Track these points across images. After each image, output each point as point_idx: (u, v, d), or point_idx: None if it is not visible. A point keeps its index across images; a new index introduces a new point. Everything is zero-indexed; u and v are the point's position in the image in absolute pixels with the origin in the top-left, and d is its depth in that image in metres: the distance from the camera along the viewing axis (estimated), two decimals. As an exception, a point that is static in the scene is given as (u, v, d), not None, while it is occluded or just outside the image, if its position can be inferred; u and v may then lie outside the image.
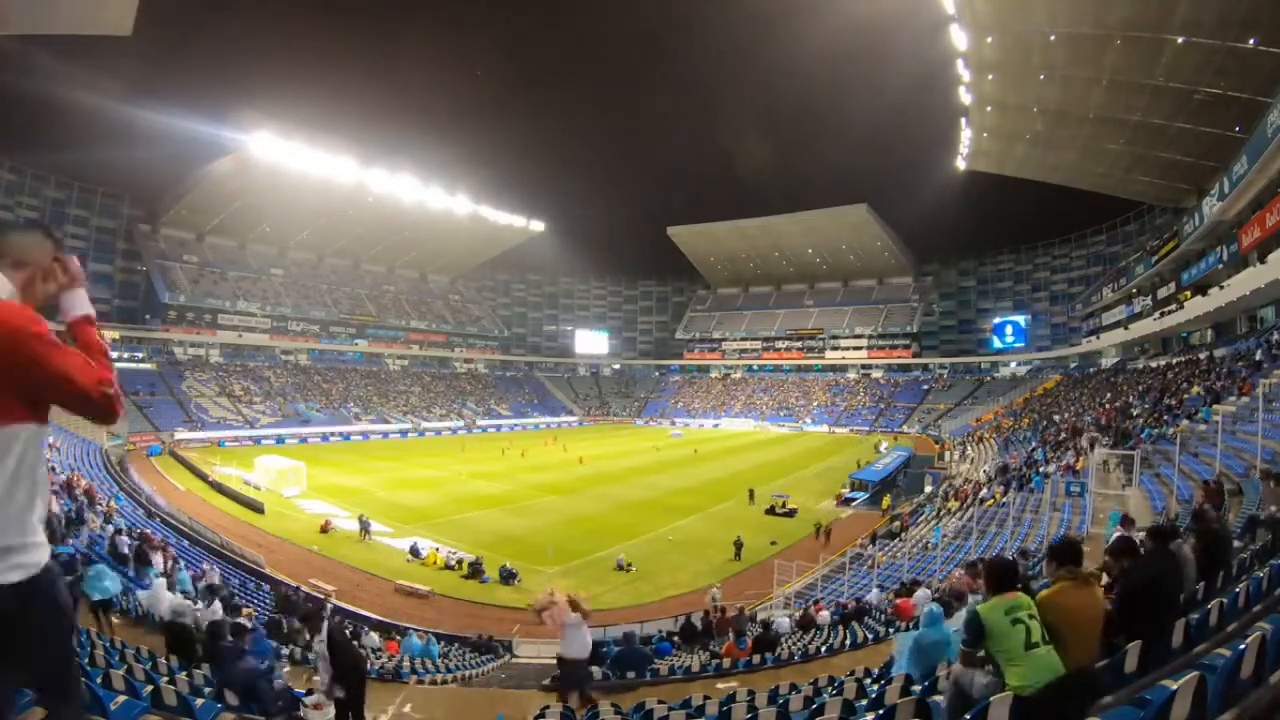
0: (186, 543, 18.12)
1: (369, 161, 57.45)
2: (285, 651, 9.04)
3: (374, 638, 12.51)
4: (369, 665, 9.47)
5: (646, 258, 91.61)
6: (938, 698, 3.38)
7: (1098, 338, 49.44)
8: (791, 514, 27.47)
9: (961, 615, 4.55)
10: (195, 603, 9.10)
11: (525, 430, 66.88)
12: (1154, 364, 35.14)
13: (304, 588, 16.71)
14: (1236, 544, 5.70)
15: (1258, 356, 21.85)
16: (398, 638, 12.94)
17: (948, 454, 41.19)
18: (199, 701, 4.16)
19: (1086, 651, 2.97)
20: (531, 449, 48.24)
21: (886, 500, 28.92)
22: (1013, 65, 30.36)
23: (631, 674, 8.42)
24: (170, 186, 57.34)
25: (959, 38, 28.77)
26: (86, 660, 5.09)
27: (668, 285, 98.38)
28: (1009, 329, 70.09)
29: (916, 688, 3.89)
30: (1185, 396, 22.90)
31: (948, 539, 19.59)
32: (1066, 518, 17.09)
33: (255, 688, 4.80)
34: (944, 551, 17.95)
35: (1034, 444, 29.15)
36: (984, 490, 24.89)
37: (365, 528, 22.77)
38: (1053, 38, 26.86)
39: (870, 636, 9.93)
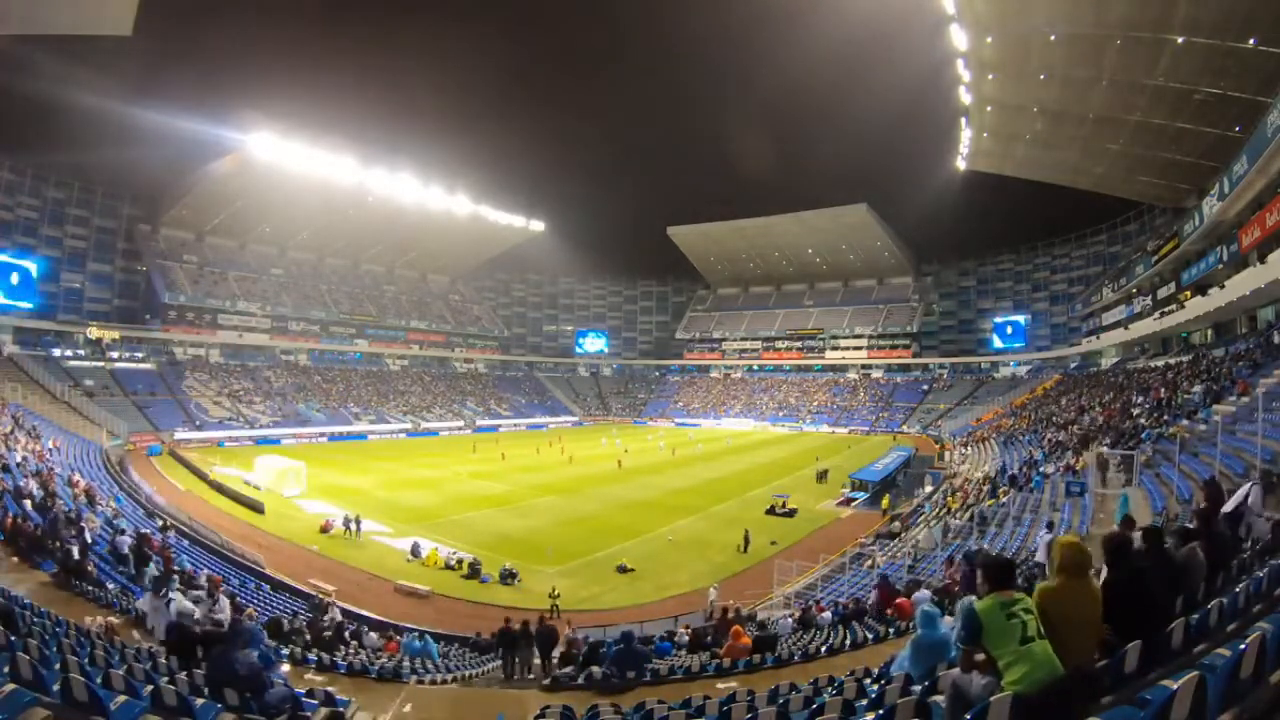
0: (187, 542, 18.11)
1: (369, 161, 57.48)
2: (285, 652, 9.04)
3: (373, 638, 12.51)
4: (370, 665, 9.48)
5: (646, 258, 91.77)
6: (937, 698, 3.38)
7: (1098, 338, 49.44)
8: (791, 514, 27.48)
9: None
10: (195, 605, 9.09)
11: (521, 430, 66.89)
12: (1154, 364, 35.14)
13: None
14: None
15: (1257, 356, 21.88)
16: (397, 638, 12.94)
17: (948, 454, 41.20)
18: (199, 701, 4.15)
19: (1086, 649, 2.96)
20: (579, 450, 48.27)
21: (886, 500, 28.93)
22: (1013, 65, 30.37)
23: (631, 674, 8.42)
24: (170, 186, 57.34)
25: (959, 38, 28.77)
26: (86, 660, 5.09)
27: (668, 285, 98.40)
28: (1009, 329, 70.13)
29: (916, 688, 3.89)
30: (1185, 396, 22.91)
31: (948, 539, 19.59)
32: (1066, 518, 17.09)
33: (255, 681, 4.80)
34: (944, 551, 17.95)
35: (1034, 444, 29.16)
36: (984, 490, 24.90)
37: (349, 525, 22.89)
38: (1053, 38, 26.86)
39: (870, 636, 9.92)
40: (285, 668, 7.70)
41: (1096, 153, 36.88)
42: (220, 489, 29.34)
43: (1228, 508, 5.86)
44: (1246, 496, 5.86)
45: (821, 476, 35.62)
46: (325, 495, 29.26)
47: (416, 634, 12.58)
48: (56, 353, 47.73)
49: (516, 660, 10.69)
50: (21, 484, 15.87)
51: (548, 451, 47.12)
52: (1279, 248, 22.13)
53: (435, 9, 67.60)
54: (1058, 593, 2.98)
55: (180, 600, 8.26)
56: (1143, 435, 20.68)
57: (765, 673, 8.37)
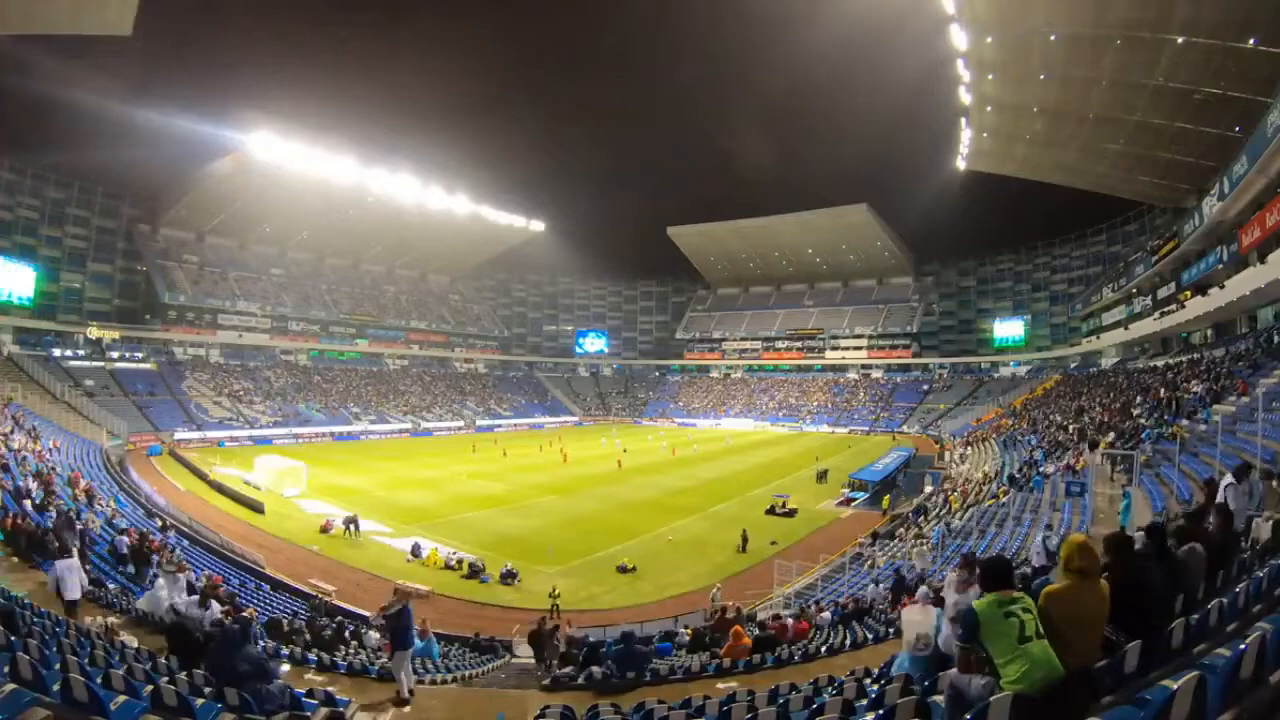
0: (187, 542, 18.11)
1: (369, 161, 57.43)
2: (285, 652, 9.04)
3: (373, 637, 12.49)
4: (370, 665, 9.47)
5: (646, 258, 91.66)
6: (937, 698, 3.38)
7: (1098, 338, 49.45)
8: (791, 514, 27.48)
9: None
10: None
11: (521, 430, 66.92)
12: (1154, 364, 35.15)
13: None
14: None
15: (1257, 356, 21.88)
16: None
17: (948, 454, 41.19)
18: (199, 701, 4.15)
19: (1089, 650, 2.96)
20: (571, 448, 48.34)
21: (886, 500, 28.92)
22: (1013, 65, 30.35)
23: (631, 674, 8.42)
24: (170, 186, 57.32)
25: (959, 38, 28.76)
26: (86, 660, 5.09)
27: (668, 285, 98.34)
28: (1009, 329, 70.14)
29: (916, 688, 3.89)
30: (1185, 396, 22.91)
31: (948, 539, 19.58)
32: (1067, 518, 17.08)
33: (256, 677, 4.80)
34: (944, 552, 17.95)
35: (1034, 444, 29.15)
36: (984, 490, 24.91)
37: (349, 525, 22.90)
38: (1053, 38, 26.86)
39: (870, 636, 9.93)
40: (285, 667, 7.70)
41: (1096, 153, 36.87)
42: (220, 489, 29.34)
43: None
44: (1226, 496, 5.90)
45: (821, 477, 35.65)
46: (325, 495, 29.26)
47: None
48: (56, 353, 47.72)
49: (545, 657, 11.20)
50: (21, 484, 15.88)
51: (549, 451, 47.11)
52: (1279, 248, 22.14)
53: (435, 9, 67.63)
54: (1066, 593, 2.98)
55: (167, 591, 8.25)
56: (1143, 435, 20.69)
57: (765, 673, 8.37)
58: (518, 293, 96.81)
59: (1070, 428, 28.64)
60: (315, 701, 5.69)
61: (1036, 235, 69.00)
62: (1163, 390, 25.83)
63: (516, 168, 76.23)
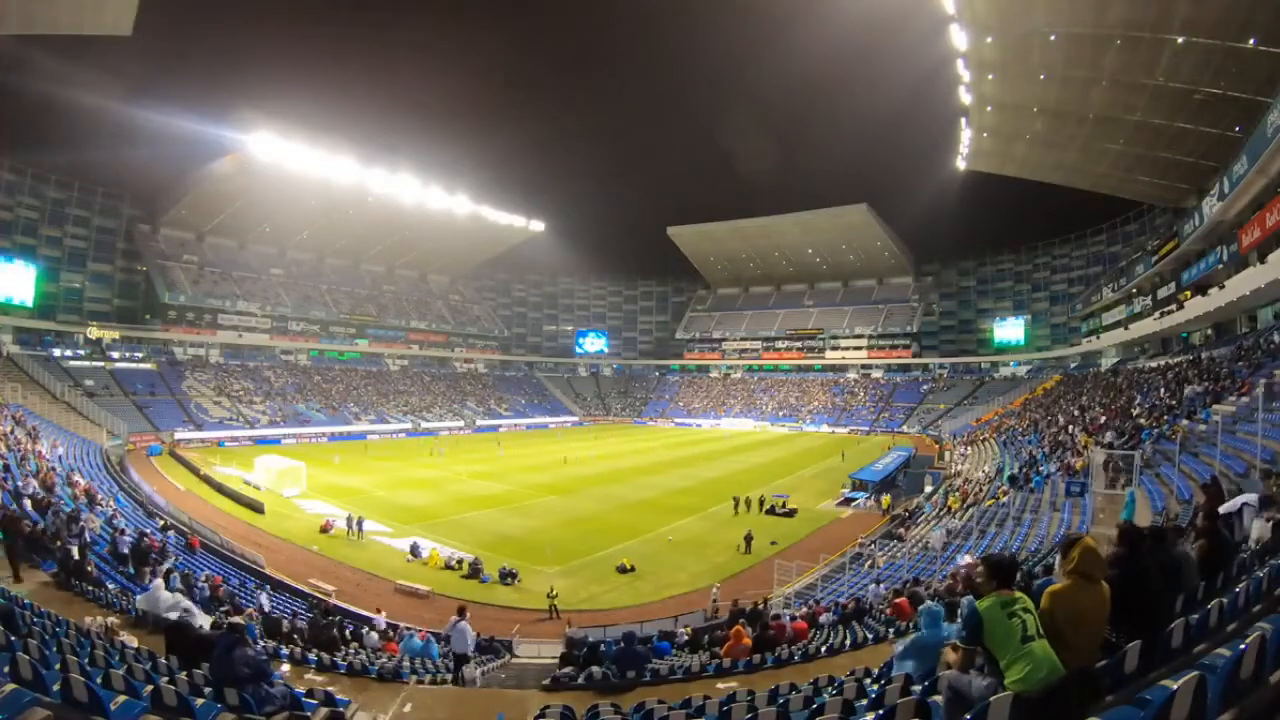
0: (186, 543, 18.09)
1: (369, 161, 57.44)
2: (285, 652, 9.05)
3: (374, 637, 12.51)
4: (370, 665, 9.47)
5: (646, 258, 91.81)
6: (938, 698, 3.38)
7: (1098, 338, 49.44)
8: (791, 514, 27.49)
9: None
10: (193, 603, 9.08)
11: (521, 430, 66.92)
12: (1154, 364, 35.14)
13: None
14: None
15: (1257, 356, 21.87)
16: (397, 638, 12.93)
17: (948, 454, 41.18)
18: (199, 701, 4.15)
19: (1089, 651, 2.96)
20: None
21: (887, 500, 28.93)
22: (1013, 65, 30.35)
23: (631, 673, 8.42)
24: (170, 186, 57.30)
25: (959, 38, 28.75)
26: (86, 660, 5.09)
27: (668, 285, 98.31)
28: (1009, 329, 70.14)
29: (916, 688, 3.89)
30: (1185, 396, 22.90)
31: (948, 540, 19.58)
32: (1066, 518, 17.09)
33: (254, 678, 4.79)
34: (944, 552, 17.96)
35: (1034, 444, 29.14)
36: (984, 491, 24.90)
37: (351, 525, 22.91)
38: (1053, 38, 26.85)
39: (870, 636, 9.93)
40: (285, 668, 7.71)
41: (1096, 153, 36.85)
42: (220, 489, 29.34)
43: (1224, 509, 5.88)
44: (1241, 512, 5.89)
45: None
46: (325, 495, 29.26)
47: (416, 632, 12.57)
48: (56, 353, 47.70)
49: None
50: (21, 484, 15.87)
51: (551, 452, 47.08)
52: (1279, 248, 22.13)
53: (435, 9, 67.69)
54: (1068, 593, 2.97)
55: (175, 597, 8.26)
56: (1143, 435, 20.68)
57: (765, 673, 8.37)
58: (518, 293, 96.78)
59: (1070, 428, 28.62)
60: (315, 701, 5.69)
61: (1036, 235, 69.07)
62: (1163, 390, 25.83)
63: (516, 168, 76.45)
